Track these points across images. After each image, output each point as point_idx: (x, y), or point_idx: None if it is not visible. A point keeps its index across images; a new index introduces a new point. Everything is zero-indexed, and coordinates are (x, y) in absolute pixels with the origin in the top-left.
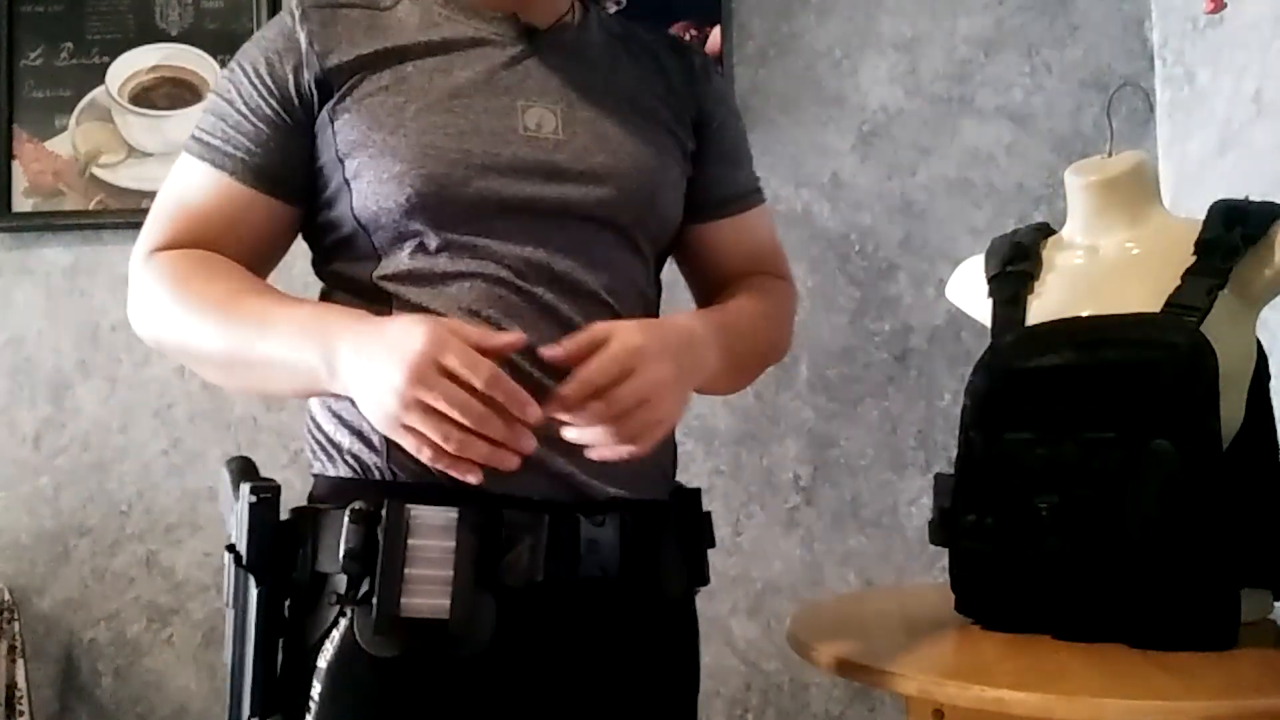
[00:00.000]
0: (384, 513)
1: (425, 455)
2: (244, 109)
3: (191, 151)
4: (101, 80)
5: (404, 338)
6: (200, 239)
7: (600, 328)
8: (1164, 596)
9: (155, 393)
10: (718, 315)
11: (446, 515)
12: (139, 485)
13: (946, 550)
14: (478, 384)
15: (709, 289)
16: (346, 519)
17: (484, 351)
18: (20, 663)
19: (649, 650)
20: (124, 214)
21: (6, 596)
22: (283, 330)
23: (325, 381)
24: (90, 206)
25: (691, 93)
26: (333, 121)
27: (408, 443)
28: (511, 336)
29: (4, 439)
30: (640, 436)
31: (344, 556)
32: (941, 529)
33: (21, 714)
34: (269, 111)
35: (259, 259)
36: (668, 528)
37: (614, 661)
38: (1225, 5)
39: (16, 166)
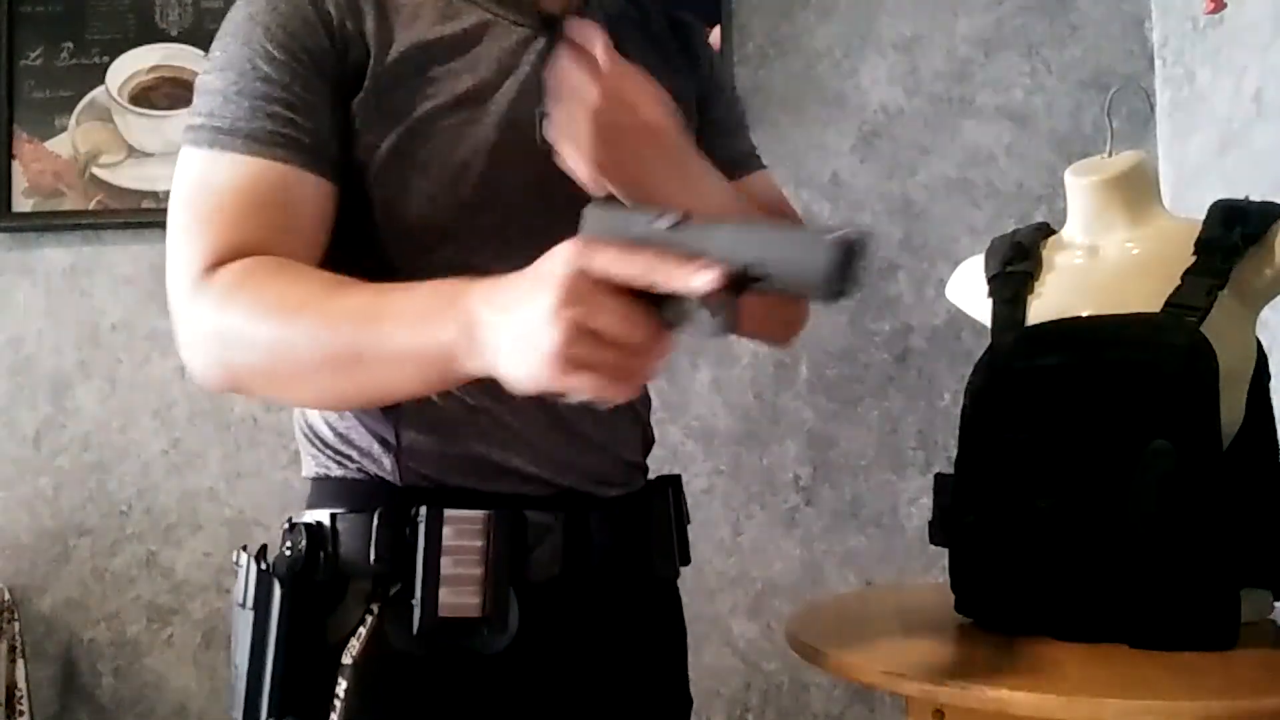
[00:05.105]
0: (419, 515)
1: (591, 393)
2: (291, 83)
3: (223, 146)
4: (101, 80)
5: (542, 264)
6: (258, 240)
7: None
8: (1164, 596)
9: (155, 393)
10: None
11: (479, 515)
12: (139, 485)
13: (946, 550)
14: (633, 276)
15: None
16: (376, 521)
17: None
18: (20, 663)
19: (646, 629)
20: (124, 214)
21: (6, 596)
22: (403, 313)
23: (463, 356)
24: (90, 206)
25: (693, 74)
26: (353, 118)
27: (570, 384)
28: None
29: (4, 439)
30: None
31: (375, 559)
32: (941, 529)
33: (21, 714)
34: (318, 82)
35: (320, 254)
36: (651, 515)
37: (620, 643)
38: (1225, 5)
39: (16, 166)
